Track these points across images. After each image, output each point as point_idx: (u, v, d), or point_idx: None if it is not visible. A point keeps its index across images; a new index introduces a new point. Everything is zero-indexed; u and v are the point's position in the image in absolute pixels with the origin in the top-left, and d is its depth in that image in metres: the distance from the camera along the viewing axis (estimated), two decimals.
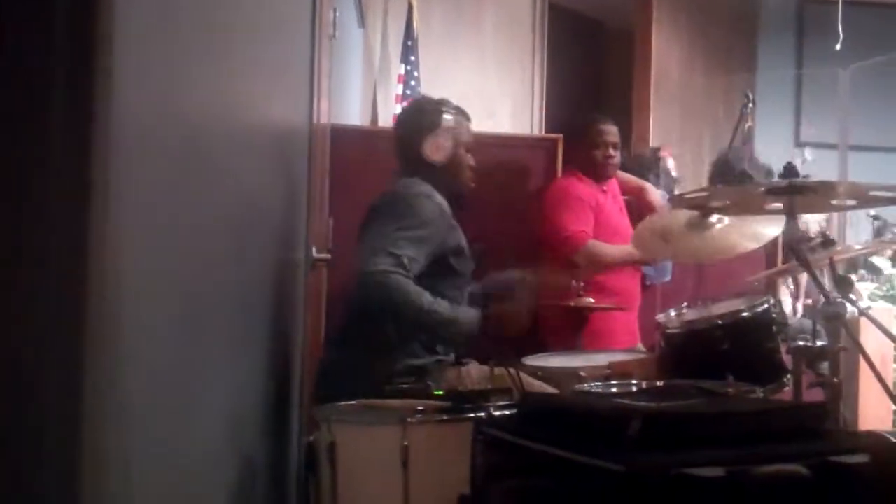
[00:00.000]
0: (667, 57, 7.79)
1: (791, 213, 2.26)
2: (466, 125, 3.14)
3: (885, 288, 6.02)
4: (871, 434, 1.90)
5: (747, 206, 2.61)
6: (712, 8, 8.06)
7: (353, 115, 5.53)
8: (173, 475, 1.41)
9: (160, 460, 1.33)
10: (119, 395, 1.08)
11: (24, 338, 0.96)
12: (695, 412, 1.64)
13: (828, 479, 1.44)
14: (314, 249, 3.24)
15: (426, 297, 2.69)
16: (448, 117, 3.07)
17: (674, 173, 5.33)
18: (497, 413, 2.01)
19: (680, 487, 1.36)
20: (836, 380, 2.25)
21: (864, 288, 6.12)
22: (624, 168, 4.30)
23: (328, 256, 3.37)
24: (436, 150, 3.01)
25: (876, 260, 6.34)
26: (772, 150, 6.68)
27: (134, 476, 1.18)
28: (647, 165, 4.98)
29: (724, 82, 7.76)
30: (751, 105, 5.39)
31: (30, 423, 0.96)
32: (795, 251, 2.35)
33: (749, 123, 6.40)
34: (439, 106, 3.12)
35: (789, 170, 2.22)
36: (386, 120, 6.12)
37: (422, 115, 3.11)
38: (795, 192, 2.21)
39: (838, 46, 6.80)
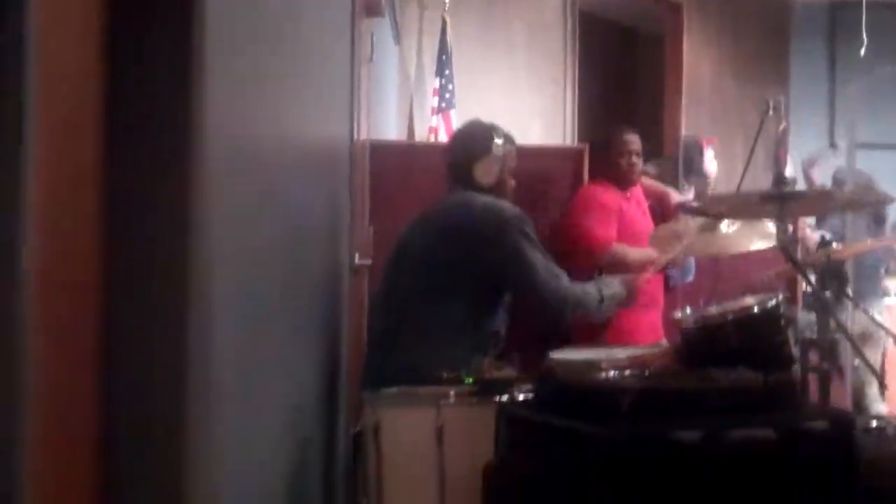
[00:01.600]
0: (697, 63, 7.94)
1: (781, 218, 2.52)
2: (513, 151, 3.41)
3: None
4: (832, 407, 2.16)
5: (744, 212, 2.86)
6: (743, 14, 8.21)
7: (391, 128, 5.80)
8: (248, 455, 1.66)
9: (239, 443, 1.58)
10: (212, 389, 1.31)
11: (140, 343, 1.21)
12: (678, 387, 1.92)
13: (793, 443, 1.71)
14: (357, 256, 3.54)
15: (591, 291, 3.19)
16: (498, 142, 3.33)
17: (712, 167, 5.55)
18: (518, 395, 2.31)
19: (664, 450, 1.63)
20: (825, 366, 2.50)
21: (893, 284, 6.31)
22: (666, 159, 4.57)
23: (369, 262, 3.66)
24: (485, 174, 3.29)
25: None
26: (806, 153, 6.90)
27: (223, 456, 1.41)
28: (690, 151, 5.22)
29: (755, 87, 7.92)
30: (771, 112, 5.60)
31: (144, 415, 1.19)
32: (784, 252, 2.61)
33: (783, 125, 6.60)
34: (491, 132, 3.36)
35: (779, 178, 2.48)
36: (422, 132, 6.40)
37: (474, 140, 3.36)
38: (787, 199, 2.47)
39: (863, 51, 6.99)
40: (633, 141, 4.30)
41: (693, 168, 4.84)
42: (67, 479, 1.12)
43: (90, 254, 1.15)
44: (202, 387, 1.27)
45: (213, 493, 1.35)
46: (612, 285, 3.30)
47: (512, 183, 3.41)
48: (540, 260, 3.11)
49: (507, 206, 3.24)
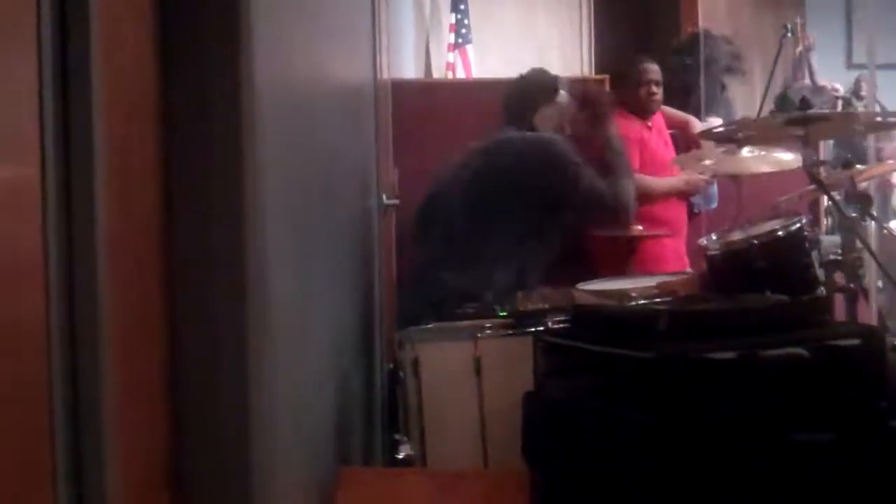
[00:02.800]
0: None
1: (807, 142, 2.54)
2: (570, 104, 3.59)
3: None
4: (862, 324, 2.21)
5: (770, 137, 2.89)
6: None
7: (408, 67, 5.80)
8: (298, 388, 1.74)
9: (290, 376, 1.66)
10: (268, 326, 1.38)
11: (203, 292, 1.28)
12: (712, 309, 1.97)
13: (825, 360, 1.77)
14: (384, 196, 3.59)
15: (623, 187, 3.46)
16: (563, 93, 3.54)
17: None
18: (553, 325, 2.38)
19: (700, 370, 1.69)
20: (851, 285, 2.55)
21: None
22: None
23: (397, 202, 3.71)
24: (546, 121, 3.48)
25: None
26: (824, 74, 6.85)
27: (277, 392, 1.49)
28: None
29: (771, 12, 7.85)
30: (789, 35, 5.58)
31: (212, 353, 1.27)
32: (810, 174, 2.64)
33: (799, 48, 6.57)
34: (556, 83, 3.59)
35: (804, 102, 2.50)
36: (439, 68, 6.39)
37: (540, 88, 3.56)
38: (811, 122, 2.49)
39: None
40: (653, 70, 4.31)
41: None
42: (142, 402, 1.19)
43: (151, 189, 1.20)
44: (260, 322, 1.34)
45: (269, 423, 1.42)
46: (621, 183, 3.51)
47: (568, 132, 3.54)
48: (592, 175, 3.34)
49: (557, 138, 3.42)
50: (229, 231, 1.27)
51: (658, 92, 4.31)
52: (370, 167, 3.31)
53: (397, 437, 3.04)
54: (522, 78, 3.75)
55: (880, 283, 4.86)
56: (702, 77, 4.81)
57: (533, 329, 2.42)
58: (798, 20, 6.17)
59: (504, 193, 3.25)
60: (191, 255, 1.27)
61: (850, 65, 8.15)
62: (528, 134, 3.41)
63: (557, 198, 3.30)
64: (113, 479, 0.99)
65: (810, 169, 2.59)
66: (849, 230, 2.60)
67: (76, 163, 0.94)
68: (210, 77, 1.24)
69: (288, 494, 1.63)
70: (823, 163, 2.84)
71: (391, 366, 3.23)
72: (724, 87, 5.32)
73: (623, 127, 4.22)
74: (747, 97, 7.21)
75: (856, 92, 6.65)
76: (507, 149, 3.37)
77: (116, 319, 1.01)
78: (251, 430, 1.32)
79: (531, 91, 3.54)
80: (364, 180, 3.12)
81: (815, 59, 6.68)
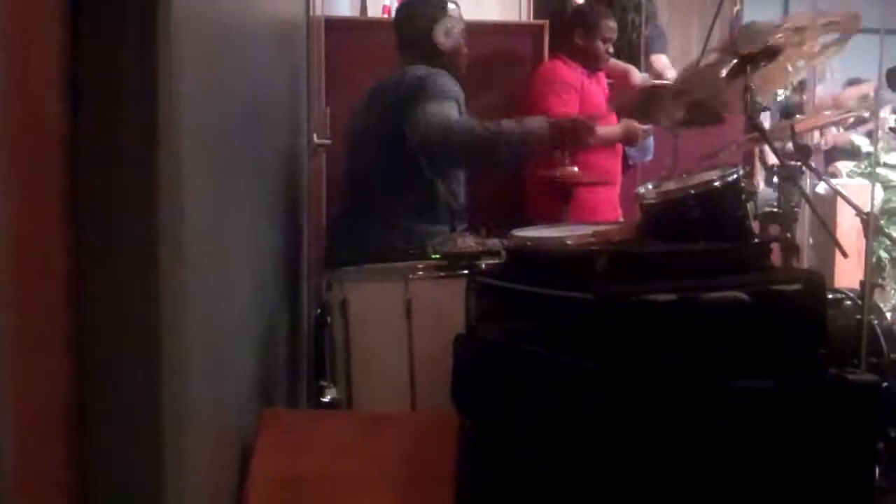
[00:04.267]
0: None
1: (747, 89, 2.50)
2: (461, 13, 3.37)
3: (862, 166, 6.26)
4: (804, 269, 2.18)
5: (709, 86, 2.83)
6: None
7: (343, 4, 5.64)
8: (214, 330, 1.67)
9: (208, 318, 1.59)
10: (182, 249, 1.33)
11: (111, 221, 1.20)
12: (652, 251, 1.91)
13: (766, 305, 1.72)
14: (315, 136, 3.47)
15: (491, 124, 2.95)
16: (452, 5, 3.30)
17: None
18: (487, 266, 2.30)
19: (639, 312, 1.63)
20: (787, 235, 2.52)
21: (842, 166, 6.37)
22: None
23: (328, 142, 3.60)
24: (445, 35, 3.24)
25: (855, 138, 6.58)
26: None
27: (192, 330, 1.43)
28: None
29: None
30: None
31: (120, 288, 1.22)
32: (751, 121, 2.59)
33: (737, 7, 6.53)
34: None
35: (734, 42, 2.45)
36: (376, 10, 6.23)
37: (428, 5, 3.32)
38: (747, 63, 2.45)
39: None
40: (612, 28, 4.26)
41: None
42: (41, 339, 1.10)
43: (56, 115, 1.13)
44: (174, 258, 1.28)
45: (183, 365, 1.35)
46: (535, 121, 3.13)
47: (465, 50, 3.36)
48: (439, 103, 2.99)
49: (440, 72, 3.14)
50: (142, 158, 1.21)
51: (611, 49, 4.26)
52: (300, 105, 3.20)
53: (323, 383, 2.96)
54: (407, 3, 3.56)
55: (811, 240, 4.90)
56: (643, 16, 4.76)
57: (466, 271, 2.35)
58: None
59: (381, 140, 3.08)
60: (98, 183, 1.20)
61: None
62: (411, 73, 3.14)
63: (409, 137, 3.00)
64: (4, 419, 0.91)
65: (752, 117, 2.55)
66: (788, 179, 2.56)
67: None
68: (122, 9, 1.17)
69: (202, 437, 1.56)
70: (766, 109, 2.79)
71: (318, 310, 3.14)
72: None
73: (564, 73, 4.15)
74: (685, 55, 7.19)
75: None
76: (387, 87, 3.18)
77: (11, 241, 0.92)
78: (161, 369, 1.25)
79: (422, 10, 3.31)
80: (294, 119, 3.01)
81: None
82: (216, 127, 1.61)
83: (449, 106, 2.98)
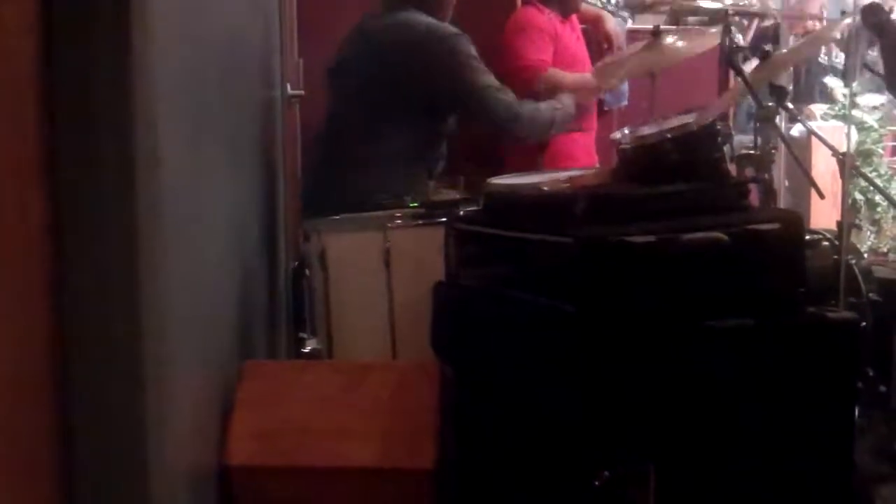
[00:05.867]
0: None
1: (726, 28, 2.48)
2: None
3: (836, 108, 6.26)
4: (782, 209, 2.18)
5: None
6: None
7: None
8: (192, 279, 1.66)
9: (186, 257, 1.58)
10: (159, 202, 1.33)
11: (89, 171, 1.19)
12: (630, 193, 1.91)
13: (745, 245, 1.72)
14: (289, 86, 3.44)
15: (543, 109, 3.26)
16: None
17: None
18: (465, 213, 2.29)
19: (618, 254, 1.63)
20: (766, 176, 2.52)
21: (817, 109, 6.38)
22: None
23: (302, 93, 3.56)
24: None
25: (829, 81, 6.58)
26: None
27: (171, 284, 1.43)
28: None
29: None
30: None
31: (103, 251, 1.23)
32: (729, 61, 2.58)
33: None
34: None
35: None
36: None
37: None
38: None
39: None
40: None
41: None
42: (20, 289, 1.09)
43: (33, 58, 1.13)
44: (152, 212, 1.28)
45: (162, 308, 1.35)
46: (564, 103, 3.34)
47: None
48: (491, 80, 3.08)
49: (451, 28, 3.11)
50: (116, 109, 1.21)
51: None
52: (273, 55, 3.16)
53: (302, 335, 2.96)
54: None
55: (786, 183, 4.91)
56: None
57: (444, 219, 2.33)
58: None
59: (393, 94, 2.98)
60: (73, 138, 1.19)
61: None
62: (424, 24, 3.07)
63: (446, 103, 3.05)
64: None
65: (728, 55, 2.53)
66: (765, 120, 2.56)
67: None
68: None
69: (183, 383, 1.56)
70: (743, 48, 2.78)
71: (296, 263, 3.12)
72: None
73: (537, 19, 4.11)
74: None
75: None
76: (396, 39, 3.07)
77: None
78: (140, 314, 1.24)
79: None
80: (267, 69, 2.98)
81: None
82: (191, 77, 1.59)
83: (503, 91, 3.11)
